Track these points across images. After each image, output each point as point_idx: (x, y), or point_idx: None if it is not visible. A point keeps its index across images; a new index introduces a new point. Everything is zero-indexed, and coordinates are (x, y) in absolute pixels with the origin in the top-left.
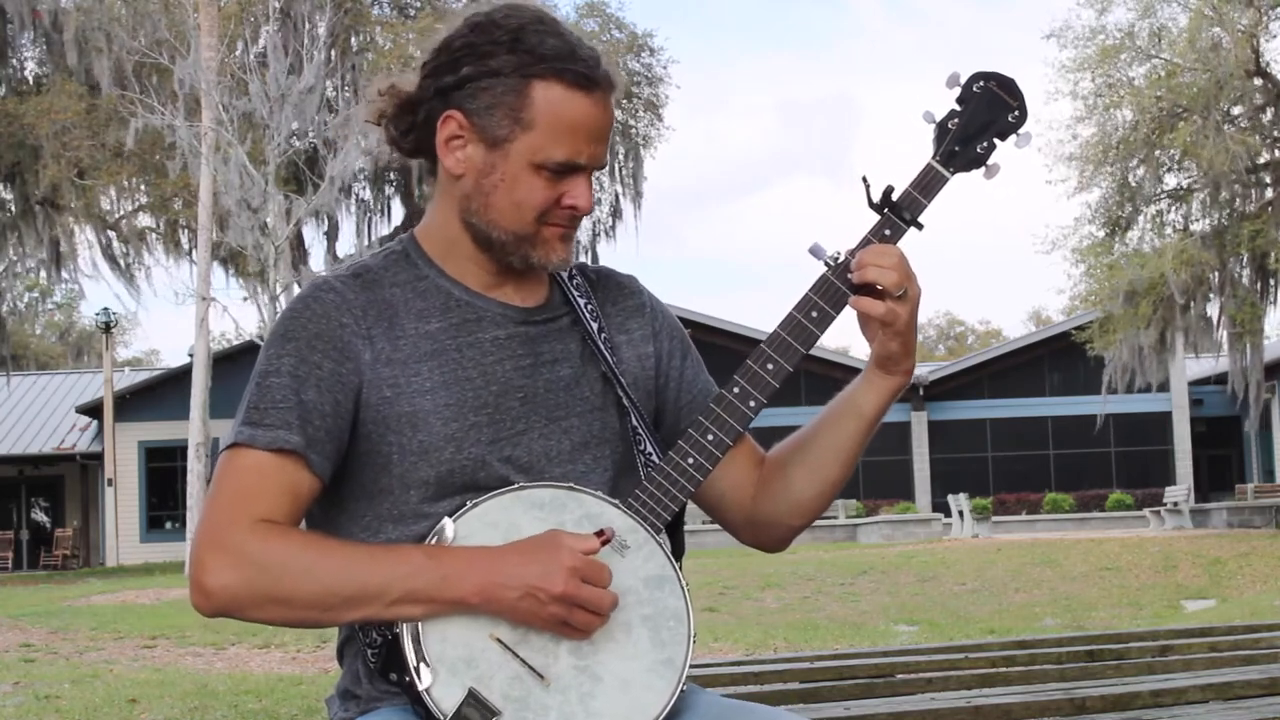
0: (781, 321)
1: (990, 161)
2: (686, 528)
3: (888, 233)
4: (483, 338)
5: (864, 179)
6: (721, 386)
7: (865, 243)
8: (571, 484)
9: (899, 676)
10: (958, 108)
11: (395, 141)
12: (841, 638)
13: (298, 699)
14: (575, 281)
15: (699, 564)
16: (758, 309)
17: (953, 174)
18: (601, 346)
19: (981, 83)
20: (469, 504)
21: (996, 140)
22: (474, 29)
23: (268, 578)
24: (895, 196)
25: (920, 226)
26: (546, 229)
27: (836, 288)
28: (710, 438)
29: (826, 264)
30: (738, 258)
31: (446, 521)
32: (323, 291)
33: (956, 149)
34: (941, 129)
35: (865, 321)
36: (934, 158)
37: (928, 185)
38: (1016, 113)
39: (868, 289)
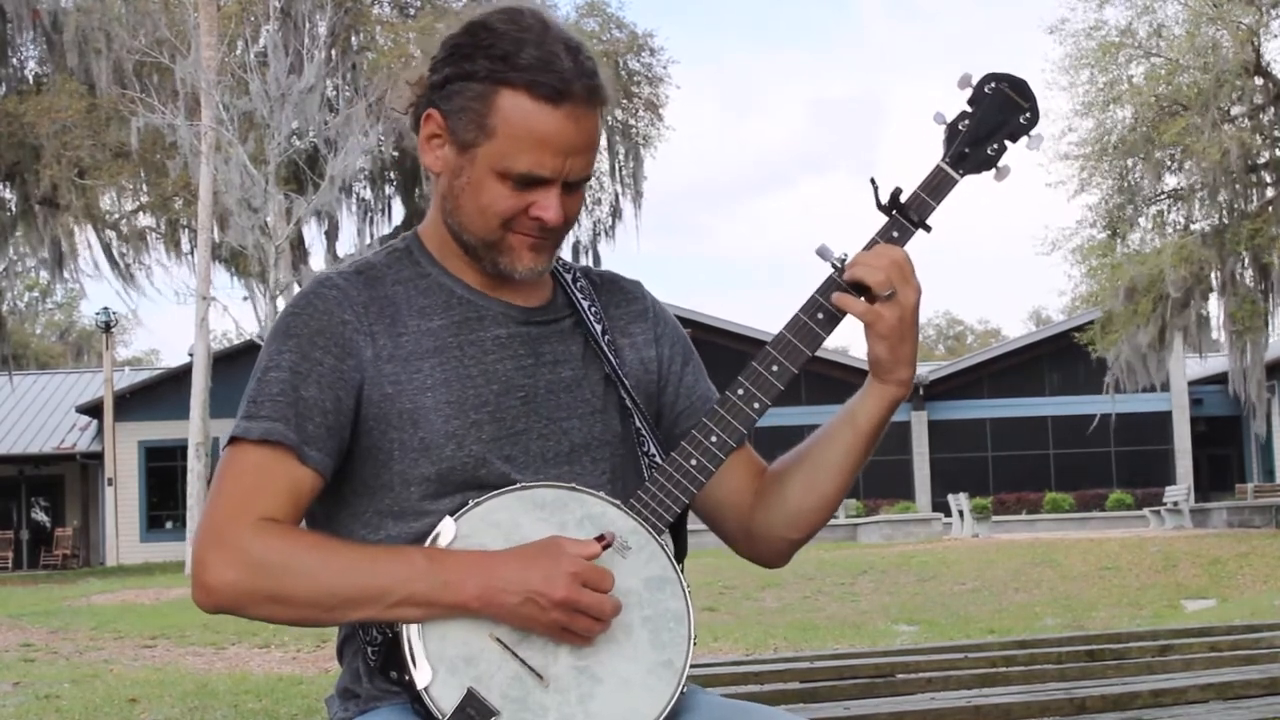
0: (787, 323)
1: (1001, 164)
2: (688, 527)
3: (895, 234)
4: (484, 336)
5: (872, 180)
6: (725, 388)
7: (872, 244)
8: (573, 484)
9: (899, 676)
10: (968, 109)
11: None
12: (841, 638)
13: (298, 699)
14: (579, 284)
15: (699, 563)
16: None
17: (962, 176)
18: (605, 348)
19: (993, 84)
20: (470, 503)
21: (1007, 142)
22: (467, 30)
23: (269, 576)
24: (903, 198)
25: (928, 229)
26: (513, 236)
27: (842, 289)
28: (714, 439)
29: (834, 265)
30: (741, 258)
31: (448, 520)
32: (325, 288)
33: (967, 151)
34: (952, 130)
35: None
36: (944, 159)
37: (937, 187)
38: (1028, 114)
39: (858, 288)
